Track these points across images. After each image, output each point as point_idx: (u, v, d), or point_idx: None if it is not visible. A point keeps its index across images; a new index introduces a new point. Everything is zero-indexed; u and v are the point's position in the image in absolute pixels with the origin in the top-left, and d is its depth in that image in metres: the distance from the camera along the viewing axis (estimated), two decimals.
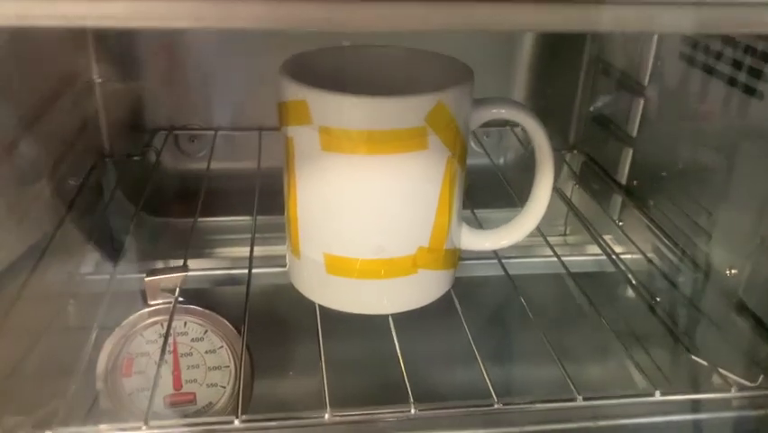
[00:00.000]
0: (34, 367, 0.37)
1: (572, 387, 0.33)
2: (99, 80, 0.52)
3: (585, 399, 0.32)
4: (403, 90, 0.33)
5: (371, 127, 0.32)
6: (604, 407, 0.33)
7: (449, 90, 0.33)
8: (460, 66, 0.37)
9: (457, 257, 0.39)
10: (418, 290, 0.38)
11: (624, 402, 0.33)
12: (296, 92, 0.33)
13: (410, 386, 0.33)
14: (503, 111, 0.37)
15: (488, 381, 0.33)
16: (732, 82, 0.40)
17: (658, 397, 0.33)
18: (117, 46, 0.54)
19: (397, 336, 0.37)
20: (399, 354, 0.35)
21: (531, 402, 0.32)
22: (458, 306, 0.39)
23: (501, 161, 0.64)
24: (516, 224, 0.39)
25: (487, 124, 0.37)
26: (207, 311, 0.39)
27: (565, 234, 0.61)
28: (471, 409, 0.32)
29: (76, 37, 0.50)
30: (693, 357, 0.37)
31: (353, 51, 0.39)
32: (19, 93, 0.40)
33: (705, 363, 0.36)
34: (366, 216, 0.35)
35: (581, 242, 0.57)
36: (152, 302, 0.39)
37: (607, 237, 0.51)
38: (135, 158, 0.54)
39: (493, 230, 0.40)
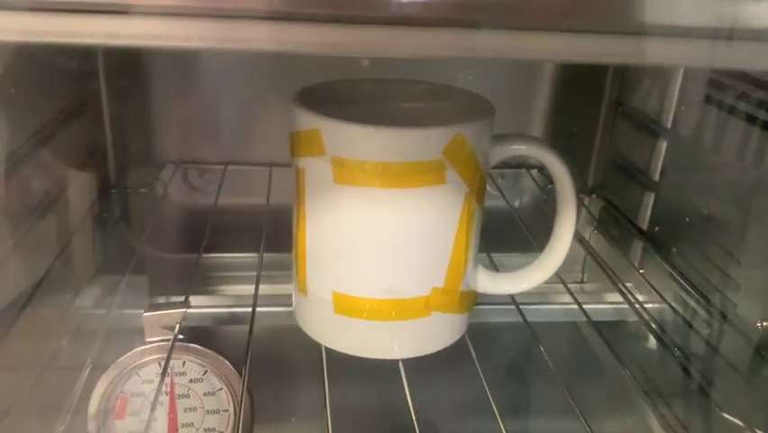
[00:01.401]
0: (24, 405, 0.35)
1: None
2: (108, 108, 0.51)
3: None
4: (420, 123, 0.31)
5: (387, 159, 0.31)
6: None
7: (469, 123, 0.32)
8: (479, 100, 0.35)
9: (473, 300, 0.37)
10: (431, 334, 0.35)
11: None
12: (308, 121, 0.32)
13: None
14: (524, 147, 0.35)
15: (501, 425, 0.31)
16: (764, 126, 0.38)
17: None
18: (128, 74, 0.53)
19: (408, 384, 0.34)
20: (410, 403, 0.33)
21: None
22: (473, 352, 0.37)
23: (516, 203, 0.62)
24: (537, 266, 0.37)
25: (503, 163, 0.36)
26: (208, 351, 0.37)
27: (582, 282, 0.59)
28: None
29: (86, 62, 0.49)
30: (725, 415, 0.35)
31: (368, 84, 0.38)
32: (23, 115, 0.39)
33: (739, 422, 0.33)
34: (378, 253, 0.33)
35: (598, 290, 0.55)
36: (150, 339, 0.37)
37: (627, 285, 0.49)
38: (142, 190, 0.53)
39: (513, 273, 0.38)
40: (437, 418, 0.38)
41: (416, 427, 0.31)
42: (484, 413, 0.33)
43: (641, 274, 0.49)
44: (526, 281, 0.37)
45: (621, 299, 0.53)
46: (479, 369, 0.35)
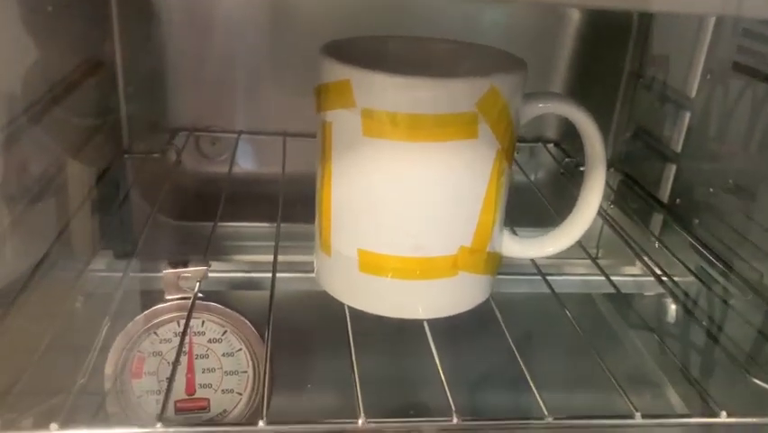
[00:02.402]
0: (40, 363, 0.35)
1: (630, 405, 0.30)
2: (123, 71, 0.50)
3: (644, 416, 0.29)
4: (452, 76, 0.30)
5: (419, 111, 0.30)
6: (664, 426, 0.29)
7: (503, 75, 0.31)
8: (510, 57, 0.35)
9: (498, 262, 0.37)
10: (457, 294, 0.35)
11: (686, 421, 0.30)
12: (339, 72, 0.31)
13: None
14: (554, 105, 0.34)
15: (537, 395, 0.30)
16: None
17: (724, 418, 0.30)
18: (144, 35, 0.52)
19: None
20: (437, 362, 0.32)
21: (588, 417, 0.29)
22: (498, 315, 0.36)
23: (532, 178, 0.61)
24: (563, 231, 0.36)
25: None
26: (229, 310, 0.36)
27: (597, 258, 0.59)
28: (522, 421, 0.29)
29: (101, 20, 0.48)
30: (755, 380, 0.34)
31: (395, 42, 0.37)
32: (37, 73, 0.38)
33: None
34: (406, 209, 0.32)
35: (614, 265, 0.54)
36: (169, 297, 0.36)
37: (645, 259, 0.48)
38: (155, 155, 0.52)
39: (538, 237, 0.37)
40: (461, 384, 0.37)
41: (445, 383, 0.30)
42: (509, 377, 0.33)
43: (663, 245, 0.48)
44: (552, 245, 0.37)
45: (639, 273, 0.52)
46: (506, 331, 0.35)
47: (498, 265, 0.37)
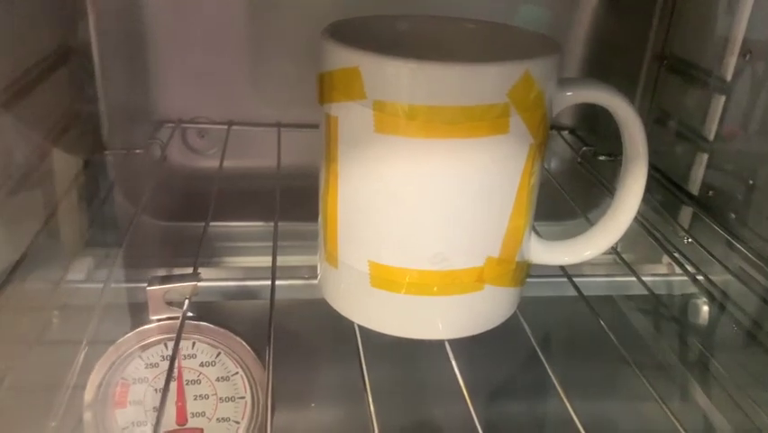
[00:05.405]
0: (8, 393, 0.30)
1: (678, 425, 0.26)
2: (99, 58, 0.45)
3: None
4: (478, 61, 0.26)
5: (440, 103, 0.26)
6: None
7: (538, 60, 0.27)
8: (540, 37, 0.30)
9: (527, 272, 0.32)
10: (482, 310, 0.31)
11: None
12: (346, 58, 0.26)
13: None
14: (590, 93, 0.30)
15: (573, 414, 0.26)
16: None
17: None
18: (121, 18, 0.47)
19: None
20: (461, 384, 0.28)
21: None
22: (527, 328, 0.32)
23: (546, 167, 0.57)
24: (599, 232, 0.32)
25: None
26: (222, 330, 0.32)
27: (615, 252, 0.55)
28: None
29: (73, 2, 0.43)
30: None
31: (406, 22, 0.33)
32: None
33: None
34: (425, 217, 0.28)
35: (636, 261, 0.50)
36: (155, 317, 0.32)
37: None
38: (137, 151, 0.47)
39: (570, 241, 0.33)
40: (485, 403, 0.34)
41: (470, 405, 0.26)
42: (541, 394, 0.29)
43: (696, 241, 0.44)
44: (588, 249, 0.32)
45: (665, 271, 0.48)
46: (535, 345, 0.31)
47: (527, 274, 0.33)
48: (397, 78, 0.26)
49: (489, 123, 0.26)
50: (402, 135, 0.26)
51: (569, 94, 0.30)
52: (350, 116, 0.27)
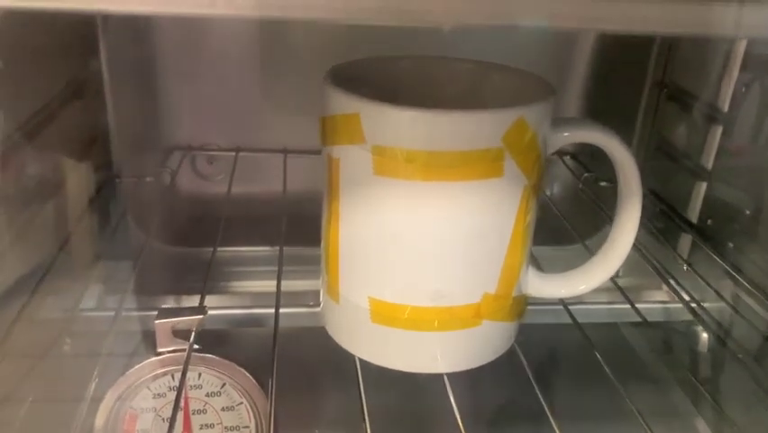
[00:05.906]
0: (22, 421, 0.32)
1: None
2: (111, 90, 0.46)
3: None
4: (472, 106, 0.27)
5: (437, 148, 0.27)
6: None
7: (532, 105, 0.27)
8: (534, 79, 0.31)
9: (524, 306, 0.33)
10: (480, 345, 0.32)
11: None
12: (346, 104, 0.28)
13: None
14: (585, 134, 0.31)
15: None
16: None
17: None
18: (131, 51, 0.49)
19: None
20: (459, 420, 0.29)
21: None
22: (523, 360, 0.33)
23: (548, 193, 0.58)
24: (596, 266, 0.33)
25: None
26: (226, 361, 0.33)
27: (612, 280, 0.55)
28: None
29: (85, 37, 0.44)
30: None
31: (407, 63, 0.34)
32: (19, 96, 0.35)
33: None
34: (423, 256, 0.29)
35: (636, 288, 0.51)
36: (162, 349, 0.33)
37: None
38: (148, 179, 0.49)
39: (567, 274, 0.34)
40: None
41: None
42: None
43: (694, 271, 0.45)
44: (584, 283, 0.33)
45: (663, 298, 0.49)
46: (531, 377, 0.32)
47: (525, 308, 0.33)
48: (396, 125, 0.27)
49: (484, 167, 0.27)
50: (401, 178, 0.27)
51: (565, 135, 0.31)
52: (350, 159, 0.28)
